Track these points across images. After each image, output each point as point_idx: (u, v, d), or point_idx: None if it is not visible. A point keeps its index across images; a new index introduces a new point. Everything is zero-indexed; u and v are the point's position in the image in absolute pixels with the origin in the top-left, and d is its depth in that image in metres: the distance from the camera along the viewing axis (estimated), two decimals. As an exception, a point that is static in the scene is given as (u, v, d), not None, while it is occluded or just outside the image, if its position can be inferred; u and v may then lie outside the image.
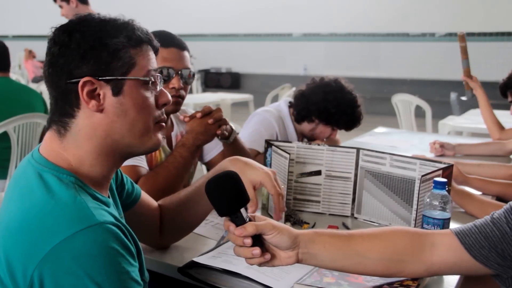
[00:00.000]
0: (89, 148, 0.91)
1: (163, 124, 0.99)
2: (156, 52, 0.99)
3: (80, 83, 0.88)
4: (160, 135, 0.99)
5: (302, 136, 2.37)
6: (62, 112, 0.92)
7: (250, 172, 1.18)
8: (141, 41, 0.93)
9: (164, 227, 1.26)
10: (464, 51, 2.75)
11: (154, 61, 0.97)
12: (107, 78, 0.89)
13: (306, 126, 2.30)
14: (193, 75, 1.65)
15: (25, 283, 0.78)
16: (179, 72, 1.60)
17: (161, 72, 1.53)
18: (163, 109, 0.99)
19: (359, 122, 2.30)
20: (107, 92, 0.90)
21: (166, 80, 1.58)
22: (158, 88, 0.97)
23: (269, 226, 0.95)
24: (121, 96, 0.91)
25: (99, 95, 0.89)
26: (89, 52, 0.88)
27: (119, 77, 0.90)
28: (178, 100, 1.62)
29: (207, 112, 1.60)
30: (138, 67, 0.92)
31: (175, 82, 1.59)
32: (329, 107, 2.20)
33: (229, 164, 1.22)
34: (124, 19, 0.94)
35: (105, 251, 0.79)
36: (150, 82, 0.94)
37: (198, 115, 1.58)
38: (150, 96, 0.94)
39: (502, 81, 2.49)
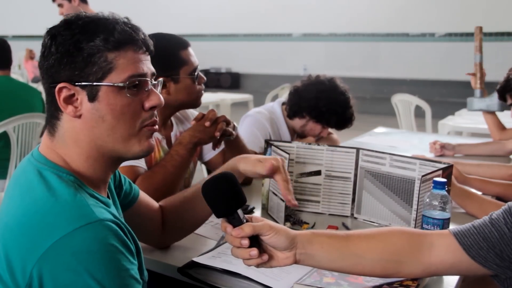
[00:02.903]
0: (77, 151, 0.91)
1: (154, 127, 0.96)
2: (148, 50, 0.94)
3: (56, 89, 0.88)
4: (151, 141, 0.96)
5: (294, 132, 2.39)
6: (50, 113, 0.92)
7: (260, 164, 1.22)
8: (121, 42, 0.89)
9: (166, 227, 1.26)
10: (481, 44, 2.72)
11: (141, 63, 0.92)
12: (82, 83, 0.88)
13: (297, 122, 2.32)
14: None
15: (24, 279, 0.79)
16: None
17: (196, 73, 1.65)
18: (155, 112, 0.95)
19: (350, 123, 2.32)
20: (83, 98, 0.89)
21: (197, 78, 1.66)
22: (147, 89, 0.93)
23: (266, 227, 0.95)
24: (96, 102, 0.89)
25: (77, 100, 0.89)
26: (65, 57, 0.87)
27: (94, 83, 0.88)
28: (203, 93, 1.71)
29: (213, 119, 1.60)
30: (117, 71, 0.89)
31: (203, 77, 1.69)
32: (320, 105, 2.22)
33: (237, 161, 1.25)
34: (109, 19, 0.91)
35: (104, 248, 0.79)
36: (127, 87, 0.89)
37: (207, 124, 1.58)
38: (132, 101, 0.91)
39: (499, 85, 2.47)
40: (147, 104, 0.93)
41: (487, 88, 2.77)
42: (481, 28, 2.70)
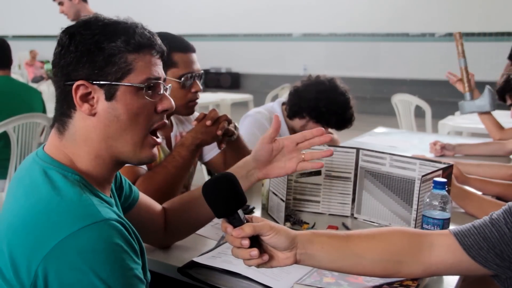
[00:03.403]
0: (86, 149, 0.92)
1: (157, 139, 0.98)
2: (162, 55, 0.98)
3: (74, 86, 0.89)
4: (154, 150, 0.98)
5: (294, 133, 2.39)
6: (61, 112, 0.93)
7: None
8: (141, 45, 0.92)
9: (169, 229, 1.26)
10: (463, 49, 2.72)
11: (157, 67, 0.95)
12: (100, 82, 0.89)
13: (297, 122, 2.32)
14: (203, 75, 1.68)
15: (29, 278, 0.79)
16: (198, 75, 1.64)
17: (184, 79, 1.58)
18: (164, 114, 0.98)
19: (350, 123, 2.31)
20: (100, 96, 0.90)
21: (189, 85, 1.61)
22: (160, 93, 0.96)
23: (267, 227, 0.95)
24: (113, 101, 0.90)
25: (94, 98, 0.90)
26: (85, 55, 0.89)
27: (112, 83, 0.90)
28: (196, 102, 1.66)
29: (214, 118, 1.59)
30: (136, 73, 0.91)
31: (197, 87, 1.63)
32: (320, 105, 2.22)
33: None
34: (128, 23, 0.93)
35: (109, 247, 0.80)
36: (145, 88, 0.92)
37: (208, 123, 1.57)
38: (148, 102, 0.93)
39: (498, 86, 2.46)
40: (160, 107, 0.96)
41: (483, 87, 2.77)
42: (461, 33, 2.70)
